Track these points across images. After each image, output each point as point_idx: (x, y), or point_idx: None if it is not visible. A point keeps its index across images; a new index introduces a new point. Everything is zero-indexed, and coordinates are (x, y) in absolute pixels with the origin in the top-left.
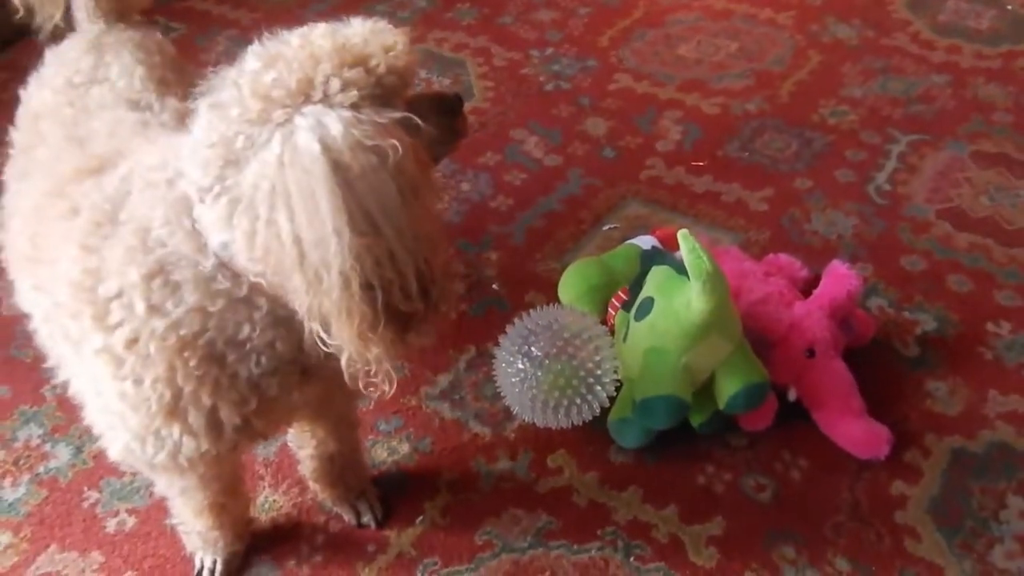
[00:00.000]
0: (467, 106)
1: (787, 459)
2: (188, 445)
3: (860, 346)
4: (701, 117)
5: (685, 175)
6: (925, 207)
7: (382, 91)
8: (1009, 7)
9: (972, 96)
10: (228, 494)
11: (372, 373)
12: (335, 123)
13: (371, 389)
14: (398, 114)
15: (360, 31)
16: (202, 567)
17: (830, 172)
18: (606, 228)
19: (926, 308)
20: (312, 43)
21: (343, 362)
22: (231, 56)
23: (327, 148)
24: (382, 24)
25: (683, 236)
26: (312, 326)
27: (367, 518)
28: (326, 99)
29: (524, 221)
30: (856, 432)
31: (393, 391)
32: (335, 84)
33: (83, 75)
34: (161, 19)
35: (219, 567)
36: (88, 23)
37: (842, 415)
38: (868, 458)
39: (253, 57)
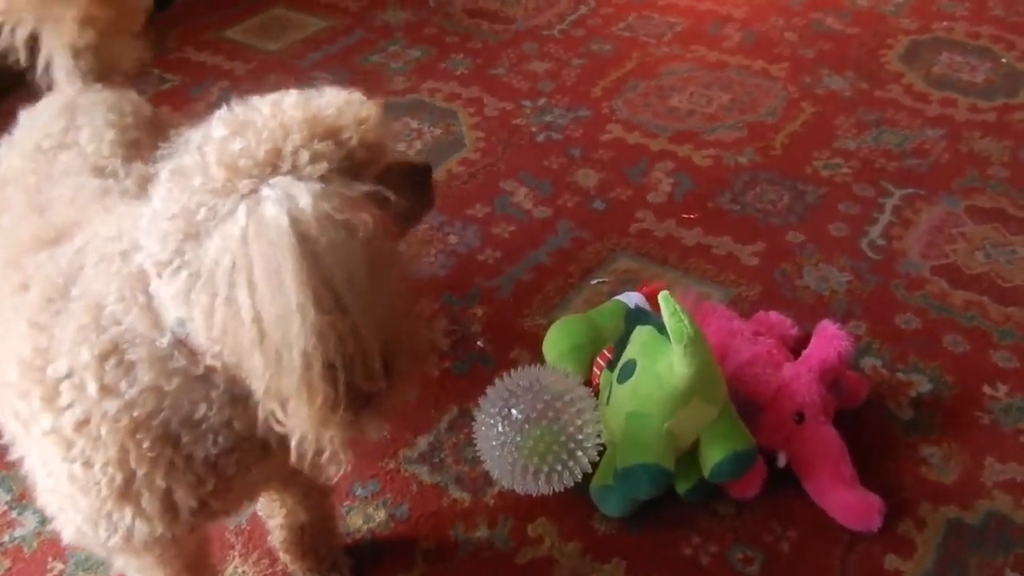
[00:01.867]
0: (458, 156)
1: (776, 530)
2: (141, 529)
3: (852, 408)
4: (693, 169)
5: (676, 228)
6: (920, 263)
7: (352, 164)
8: (1004, 60)
9: (967, 150)
10: (192, 570)
11: (323, 456)
12: (304, 195)
13: (316, 472)
14: (368, 188)
15: (333, 102)
16: None
17: (823, 226)
18: (594, 282)
19: (921, 369)
20: (283, 112)
21: (292, 443)
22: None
23: (295, 221)
24: (356, 95)
25: (664, 298)
26: (268, 406)
27: None
28: (295, 170)
29: (512, 275)
30: (847, 502)
31: (340, 475)
32: (304, 156)
33: (53, 139)
34: (156, 70)
35: None
36: (66, 83)
37: (833, 484)
38: (860, 530)
39: (220, 123)
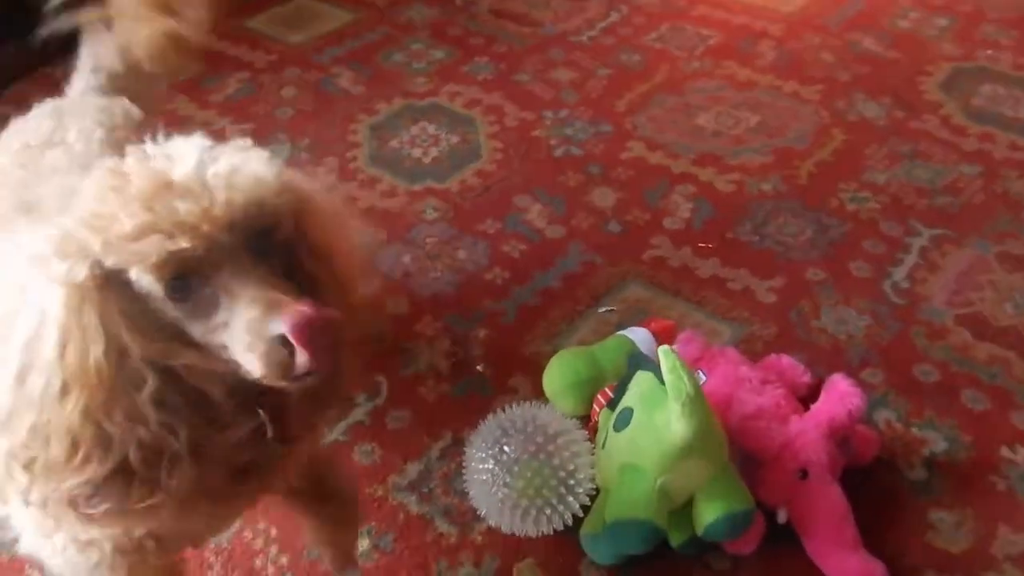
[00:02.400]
0: (473, 167)
1: None
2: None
3: (861, 465)
4: (714, 194)
5: (691, 257)
6: (944, 310)
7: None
8: None
9: (1002, 191)
10: None
11: None
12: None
13: None
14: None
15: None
16: None
17: (845, 263)
18: (602, 311)
19: (936, 425)
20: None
21: None
22: (238, 100)
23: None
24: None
25: (664, 353)
26: None
27: None
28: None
29: (518, 298)
30: (848, 566)
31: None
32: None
33: (41, 138)
34: None
35: None
36: (78, 92)
37: (834, 546)
38: None
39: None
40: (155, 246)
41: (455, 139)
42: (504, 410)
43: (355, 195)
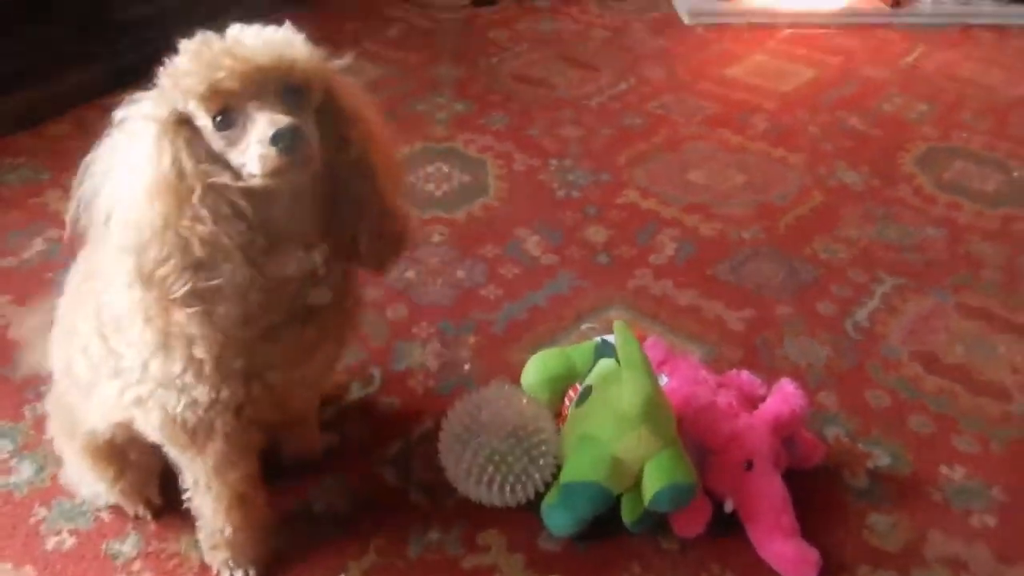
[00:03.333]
0: (481, 201)
1: (714, 570)
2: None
3: (806, 468)
4: (698, 238)
5: (671, 288)
6: (899, 348)
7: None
8: (1016, 174)
9: (964, 252)
10: (252, 485)
11: None
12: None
13: None
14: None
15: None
16: None
17: (812, 303)
18: (584, 327)
19: (882, 443)
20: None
21: None
22: None
23: None
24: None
25: (618, 326)
26: None
27: None
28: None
29: (508, 312)
30: (785, 551)
31: None
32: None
33: None
34: None
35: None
36: None
37: (773, 532)
38: None
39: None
40: (203, 81)
41: (466, 178)
42: (480, 389)
43: None
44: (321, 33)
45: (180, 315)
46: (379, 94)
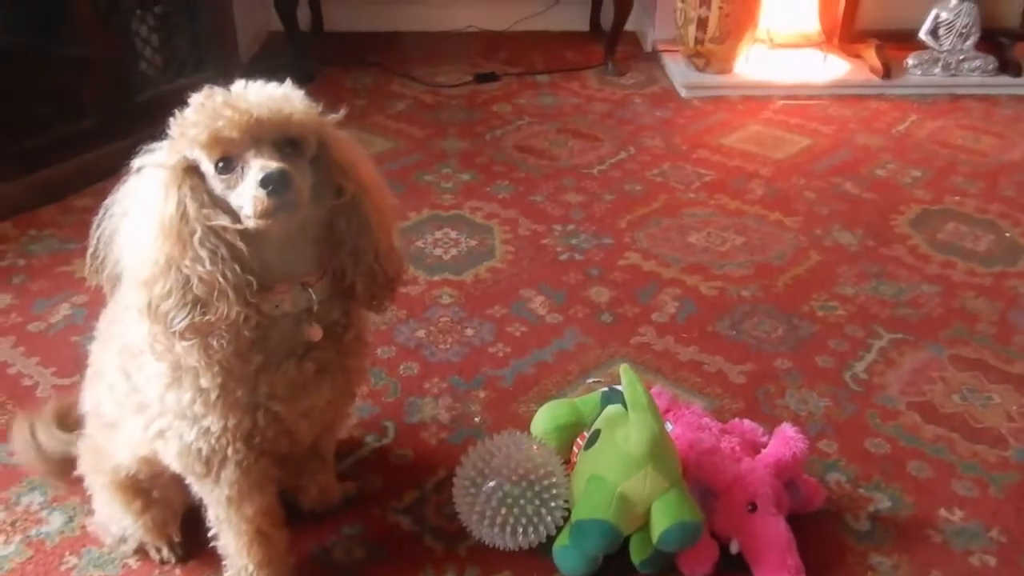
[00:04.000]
0: (487, 264)
1: None
2: (216, 424)
3: (808, 512)
4: (698, 296)
5: (673, 344)
6: (897, 398)
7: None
8: (1008, 234)
9: (959, 307)
10: (271, 520)
11: None
12: None
13: None
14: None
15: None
16: None
17: (811, 356)
18: (590, 381)
19: (883, 488)
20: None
21: None
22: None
23: None
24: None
25: (624, 370)
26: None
27: None
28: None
29: (516, 368)
30: None
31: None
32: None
33: None
34: None
35: None
36: None
37: (778, 572)
38: None
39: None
40: (206, 130)
41: (473, 243)
42: (492, 437)
43: None
44: (331, 109)
45: (180, 347)
46: (388, 165)
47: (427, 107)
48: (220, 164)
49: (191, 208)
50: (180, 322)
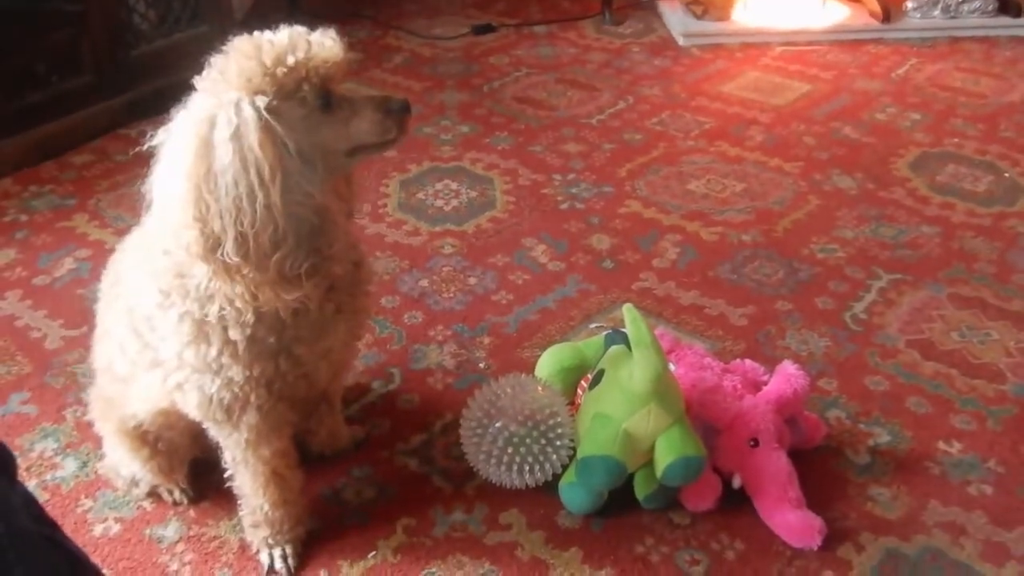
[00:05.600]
0: (488, 214)
1: (724, 540)
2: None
3: (809, 448)
4: (699, 242)
5: (675, 288)
6: (896, 336)
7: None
8: (1007, 174)
9: (958, 247)
10: (286, 462)
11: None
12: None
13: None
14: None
15: (298, 40)
16: (271, 563)
17: (811, 299)
18: (592, 326)
19: (882, 423)
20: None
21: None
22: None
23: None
24: (327, 36)
25: (627, 309)
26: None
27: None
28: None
29: (520, 315)
30: (791, 521)
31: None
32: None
33: None
34: None
35: (289, 553)
36: None
37: (779, 504)
38: (801, 547)
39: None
40: (303, 69)
41: (474, 193)
42: (497, 380)
43: (383, 233)
44: None
45: (274, 294)
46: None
47: (424, 60)
48: (320, 97)
49: (289, 139)
50: (298, 265)
